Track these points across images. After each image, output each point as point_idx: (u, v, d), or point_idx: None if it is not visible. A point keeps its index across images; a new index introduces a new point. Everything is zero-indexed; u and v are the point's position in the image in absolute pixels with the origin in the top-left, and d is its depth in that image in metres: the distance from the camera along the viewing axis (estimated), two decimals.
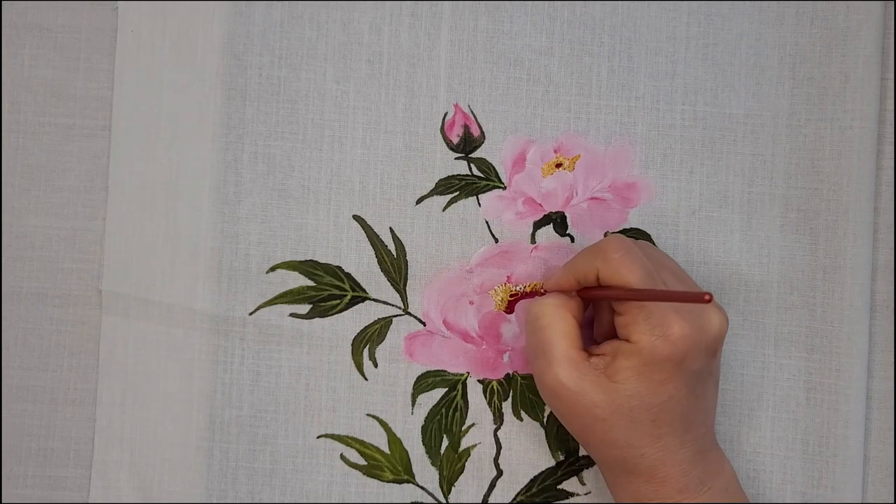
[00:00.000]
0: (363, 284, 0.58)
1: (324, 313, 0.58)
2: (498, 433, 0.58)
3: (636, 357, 0.49)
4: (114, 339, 0.58)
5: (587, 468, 0.58)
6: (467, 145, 0.58)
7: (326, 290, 0.58)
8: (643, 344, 0.49)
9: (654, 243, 0.58)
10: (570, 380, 0.50)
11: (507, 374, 0.58)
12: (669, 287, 0.50)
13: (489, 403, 0.58)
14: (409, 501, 0.58)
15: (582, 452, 0.58)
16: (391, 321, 0.58)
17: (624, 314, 0.50)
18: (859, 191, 0.57)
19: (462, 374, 0.58)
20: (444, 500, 0.58)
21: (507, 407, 0.58)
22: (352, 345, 0.58)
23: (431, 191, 0.58)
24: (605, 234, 0.58)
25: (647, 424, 0.49)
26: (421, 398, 0.58)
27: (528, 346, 0.53)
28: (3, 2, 0.58)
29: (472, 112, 0.58)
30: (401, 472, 0.58)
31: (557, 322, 0.51)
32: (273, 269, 0.58)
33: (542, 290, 0.57)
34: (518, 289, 0.57)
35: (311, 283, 0.58)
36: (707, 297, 0.45)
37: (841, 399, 0.56)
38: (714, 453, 0.52)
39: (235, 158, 0.58)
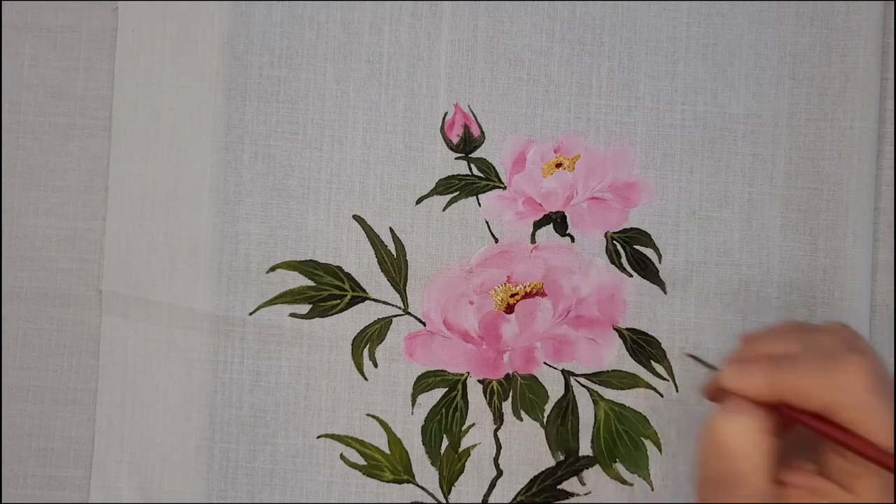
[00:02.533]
0: (363, 284, 0.58)
1: (324, 313, 0.58)
2: (498, 433, 0.58)
3: None
4: (114, 339, 0.58)
5: (587, 468, 0.57)
6: (467, 145, 0.58)
7: (326, 290, 0.58)
8: (865, 495, 0.41)
9: (654, 243, 0.58)
10: None
11: (507, 374, 0.58)
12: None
13: (489, 403, 0.58)
14: (409, 501, 0.58)
15: (582, 452, 0.58)
16: (391, 321, 0.58)
17: (853, 461, 0.41)
18: (859, 191, 0.57)
19: (462, 374, 0.58)
20: (444, 500, 0.58)
21: (507, 407, 0.58)
22: (352, 345, 0.58)
23: (431, 191, 0.58)
24: (606, 239, 0.58)
25: None
26: (421, 398, 0.58)
27: (705, 472, 0.43)
28: (3, 2, 0.58)
29: (472, 112, 0.58)
30: (401, 472, 0.58)
31: (753, 451, 0.41)
32: (273, 269, 0.58)
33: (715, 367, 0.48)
34: (518, 289, 0.57)
35: (311, 283, 0.58)
36: None
37: None
38: None
39: (235, 158, 0.58)
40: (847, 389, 0.40)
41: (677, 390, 0.57)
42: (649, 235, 0.58)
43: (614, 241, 0.58)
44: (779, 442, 0.43)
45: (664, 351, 0.57)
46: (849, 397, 0.40)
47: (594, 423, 0.57)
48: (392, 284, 0.58)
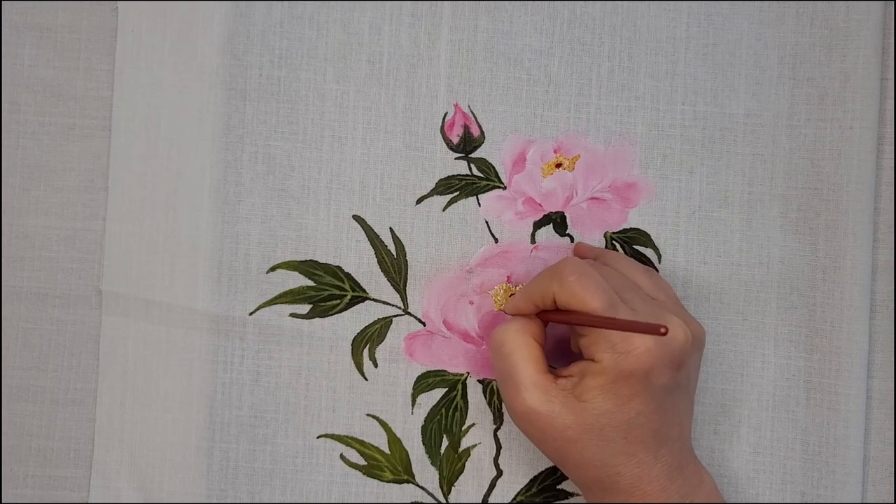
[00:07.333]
0: (363, 284, 0.58)
1: (324, 313, 0.58)
2: (498, 433, 0.58)
3: (602, 376, 0.49)
4: (114, 339, 0.58)
5: None
6: (467, 145, 0.58)
7: (326, 290, 0.58)
8: (607, 362, 0.49)
9: (654, 243, 0.58)
10: (539, 404, 0.50)
11: None
12: (633, 306, 0.50)
13: (489, 403, 0.58)
14: (409, 501, 0.58)
15: None
16: (391, 321, 0.58)
17: (586, 335, 0.50)
18: (859, 191, 0.57)
19: (462, 374, 0.58)
20: (444, 500, 0.58)
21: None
22: (352, 345, 0.58)
23: (431, 191, 0.58)
24: (605, 239, 0.58)
25: (618, 442, 0.49)
26: (421, 398, 0.58)
27: (496, 374, 0.53)
28: (3, 2, 0.58)
29: (472, 112, 0.58)
30: (401, 472, 0.58)
31: (521, 347, 0.51)
32: (273, 269, 0.58)
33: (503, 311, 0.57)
34: (518, 289, 0.57)
35: (311, 283, 0.58)
36: (663, 331, 0.46)
37: (841, 399, 0.56)
38: (692, 467, 0.52)
39: (235, 158, 0.58)
40: (561, 273, 0.50)
41: None
42: (649, 235, 0.58)
43: (614, 242, 0.58)
44: (551, 344, 0.56)
45: None
46: (562, 283, 0.50)
47: None
48: (392, 284, 0.58)
